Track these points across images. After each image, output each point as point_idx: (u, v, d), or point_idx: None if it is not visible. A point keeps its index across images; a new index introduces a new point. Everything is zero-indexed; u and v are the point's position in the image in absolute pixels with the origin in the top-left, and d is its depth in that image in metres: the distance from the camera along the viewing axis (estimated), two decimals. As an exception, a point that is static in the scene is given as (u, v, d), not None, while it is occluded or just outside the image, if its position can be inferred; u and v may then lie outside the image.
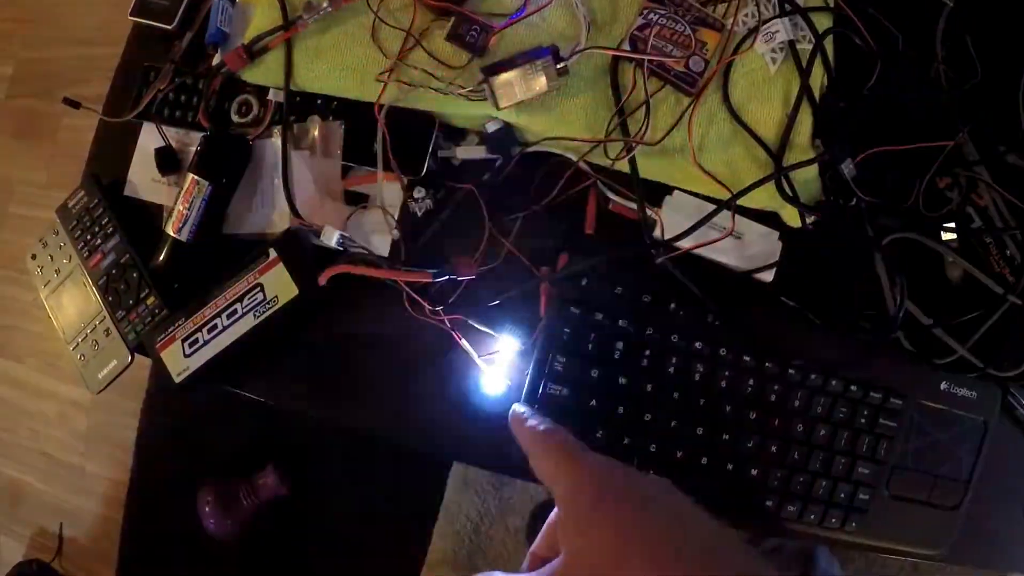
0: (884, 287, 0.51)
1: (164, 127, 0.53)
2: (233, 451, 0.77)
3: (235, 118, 0.51)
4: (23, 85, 1.14)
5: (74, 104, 0.54)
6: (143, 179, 0.54)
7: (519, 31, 0.47)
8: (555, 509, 0.32)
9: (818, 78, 0.49)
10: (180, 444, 0.80)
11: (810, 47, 0.50)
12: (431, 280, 0.44)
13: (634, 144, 0.45)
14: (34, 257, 0.56)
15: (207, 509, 0.71)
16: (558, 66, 0.45)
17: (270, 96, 0.50)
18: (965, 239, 0.53)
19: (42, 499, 1.05)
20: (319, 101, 0.50)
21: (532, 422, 0.34)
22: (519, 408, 0.36)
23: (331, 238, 0.46)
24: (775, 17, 0.49)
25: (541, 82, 0.45)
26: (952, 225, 0.54)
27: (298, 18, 0.48)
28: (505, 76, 0.45)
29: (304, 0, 0.49)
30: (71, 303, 0.54)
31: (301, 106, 0.50)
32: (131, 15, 0.55)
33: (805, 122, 0.49)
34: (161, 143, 0.53)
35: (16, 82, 1.15)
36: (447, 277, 0.44)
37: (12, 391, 1.09)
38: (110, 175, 0.55)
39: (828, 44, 0.50)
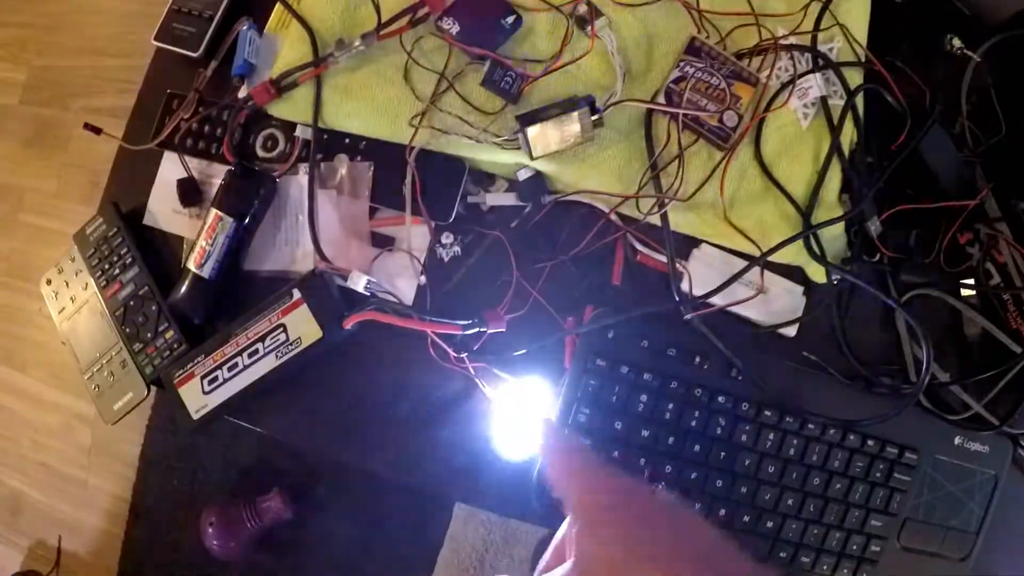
0: (904, 345, 0.51)
1: (187, 157, 0.51)
2: (239, 472, 0.76)
3: (260, 152, 0.50)
4: (36, 92, 1.12)
5: (95, 130, 0.53)
6: (163, 209, 0.53)
7: (554, 79, 0.46)
8: (565, 522, 0.33)
9: (848, 135, 0.49)
10: (185, 462, 0.78)
11: (842, 103, 0.49)
12: (460, 332, 0.43)
13: (667, 200, 0.45)
14: (49, 282, 0.55)
15: (210, 530, 0.70)
16: (593, 117, 0.44)
17: (297, 132, 0.49)
18: (984, 295, 0.53)
19: (42, 510, 1.03)
20: (347, 140, 0.49)
21: (553, 432, 0.35)
22: (544, 422, 0.37)
23: (358, 283, 0.45)
24: (809, 72, 0.49)
25: (575, 132, 0.44)
26: (971, 281, 0.54)
27: (329, 55, 0.47)
28: (540, 125, 0.44)
29: (335, 36, 0.48)
30: (86, 332, 0.53)
31: (329, 144, 0.49)
32: (155, 40, 0.53)
33: (834, 179, 0.49)
34: (183, 174, 0.51)
35: (29, 89, 1.12)
36: (477, 330, 0.43)
37: (16, 401, 1.07)
38: (129, 202, 0.54)
39: (859, 100, 0.50)
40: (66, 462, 1.01)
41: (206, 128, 0.51)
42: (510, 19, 0.47)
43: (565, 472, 0.33)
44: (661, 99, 0.46)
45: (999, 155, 0.54)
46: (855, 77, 0.50)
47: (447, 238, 0.48)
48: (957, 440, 0.52)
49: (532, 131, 0.44)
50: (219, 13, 0.52)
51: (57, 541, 0.92)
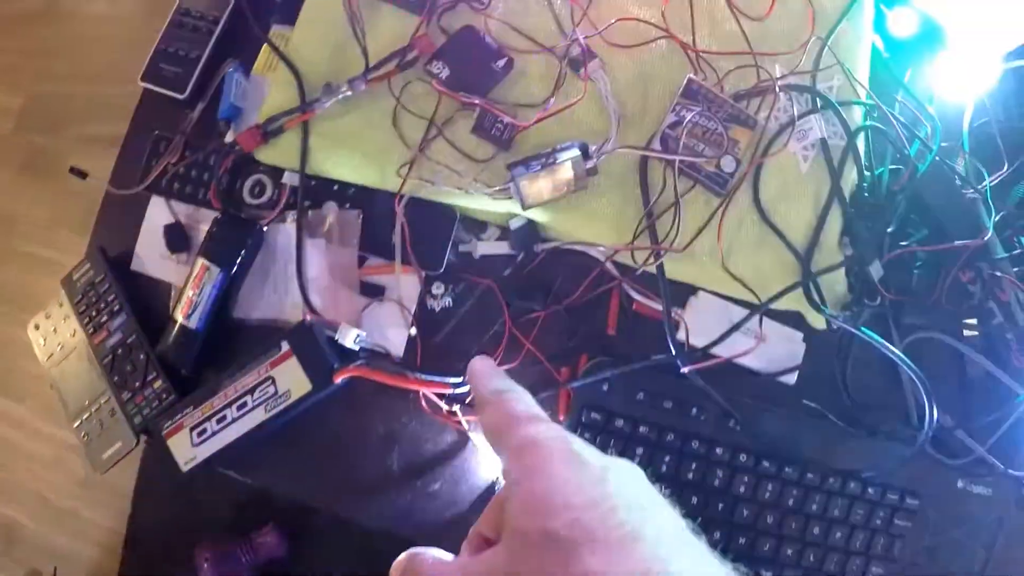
0: (906, 389, 0.49)
1: (174, 202, 0.49)
2: (234, 507, 0.74)
3: (248, 199, 0.48)
4: (32, 119, 1.09)
5: (81, 174, 0.51)
6: (151, 254, 0.50)
7: (547, 124, 0.44)
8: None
9: (849, 177, 0.47)
10: (179, 497, 0.76)
11: (842, 144, 0.47)
12: (451, 390, 0.41)
13: (662, 251, 0.42)
14: (37, 327, 0.53)
15: (205, 565, 0.69)
16: (587, 165, 0.42)
17: (285, 179, 0.47)
18: (987, 334, 0.51)
19: (37, 541, 1.01)
20: (336, 186, 0.47)
21: (490, 381, 0.28)
22: (480, 361, 0.29)
23: (347, 338, 0.43)
24: (809, 113, 0.46)
25: (568, 181, 0.42)
26: (974, 321, 0.51)
27: (316, 100, 0.45)
28: (532, 174, 0.42)
29: (323, 79, 0.46)
30: (75, 379, 0.51)
31: (317, 191, 0.47)
32: (141, 80, 0.51)
33: (835, 222, 0.46)
34: (171, 219, 0.49)
35: (25, 115, 1.09)
36: (468, 388, 0.41)
37: (11, 431, 1.05)
38: (117, 246, 0.51)
39: (860, 140, 0.47)
40: (61, 493, 0.99)
41: (193, 173, 0.49)
42: (501, 63, 0.44)
43: (497, 428, 0.26)
44: (656, 144, 0.44)
45: (1002, 191, 0.51)
46: (856, 117, 0.48)
47: (438, 288, 0.45)
48: (960, 484, 0.49)
49: (524, 180, 0.41)
50: (205, 54, 0.50)
51: (52, 572, 0.90)
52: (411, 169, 0.43)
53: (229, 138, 0.48)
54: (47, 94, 1.05)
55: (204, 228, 0.48)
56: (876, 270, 0.47)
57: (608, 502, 0.22)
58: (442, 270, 0.45)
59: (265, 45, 0.49)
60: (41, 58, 1.06)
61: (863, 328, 0.44)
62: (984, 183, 0.51)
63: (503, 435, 0.26)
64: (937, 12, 0.51)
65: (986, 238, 0.49)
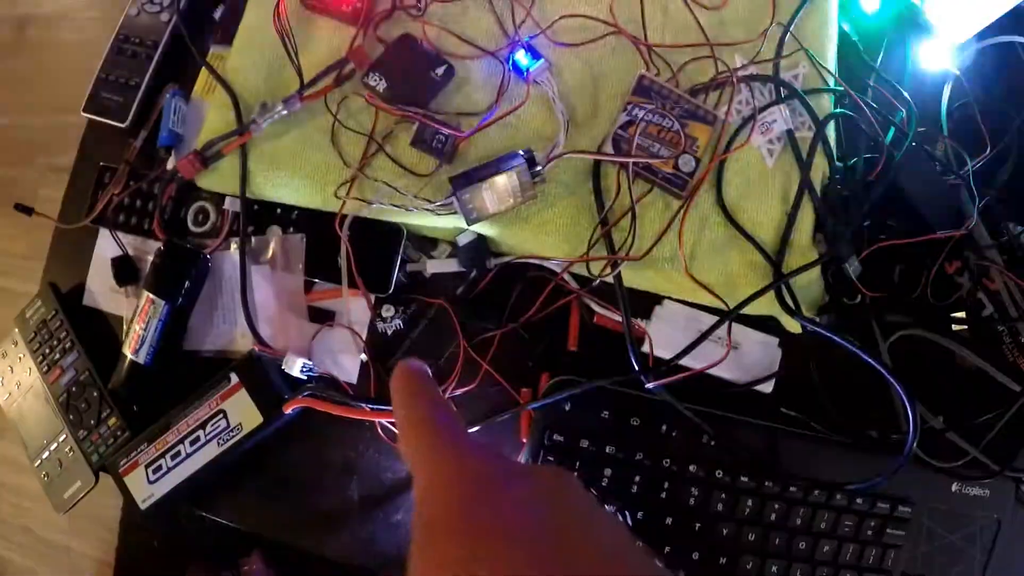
0: (892, 392, 0.44)
1: (120, 234, 0.46)
2: (219, 533, 0.71)
3: (192, 227, 0.44)
4: (2, 152, 1.05)
5: (26, 210, 0.48)
6: (102, 288, 0.47)
7: (493, 131, 0.39)
8: None
9: (819, 169, 0.42)
10: (165, 526, 0.74)
11: (810, 135, 0.42)
12: (399, 419, 0.37)
13: (619, 260, 0.38)
14: (-5, 368, 0.50)
15: (193, 595, 0.66)
16: (534, 174, 0.38)
17: (226, 205, 0.43)
18: (976, 327, 0.46)
19: None
20: (279, 210, 0.43)
21: (412, 395, 0.24)
22: (404, 368, 0.24)
23: (294, 367, 0.39)
24: (772, 104, 0.42)
25: (515, 191, 0.38)
26: (962, 314, 0.46)
27: (252, 122, 0.41)
28: (475, 187, 0.37)
29: (260, 100, 0.42)
30: (34, 418, 0.48)
31: (260, 215, 0.43)
32: (84, 111, 0.48)
33: (806, 219, 0.41)
34: (118, 251, 0.46)
35: None
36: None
37: None
38: (69, 281, 0.48)
39: (829, 130, 0.43)
40: (48, 527, 0.96)
41: (138, 203, 0.46)
42: (440, 70, 0.40)
43: (409, 448, 0.22)
44: (608, 148, 0.39)
45: (986, 175, 0.46)
46: (824, 105, 0.43)
47: (387, 311, 0.41)
48: (954, 487, 0.45)
49: (466, 194, 0.37)
50: (145, 80, 0.47)
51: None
52: (351, 188, 0.39)
53: (171, 165, 0.44)
54: (15, 126, 1.02)
55: (152, 259, 0.45)
56: (854, 267, 0.42)
57: (513, 555, 0.18)
58: (391, 292, 0.41)
59: (203, 67, 0.45)
60: (9, 89, 1.03)
61: (839, 332, 0.39)
62: (966, 168, 0.46)
63: (413, 457, 0.22)
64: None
65: (971, 226, 0.45)
